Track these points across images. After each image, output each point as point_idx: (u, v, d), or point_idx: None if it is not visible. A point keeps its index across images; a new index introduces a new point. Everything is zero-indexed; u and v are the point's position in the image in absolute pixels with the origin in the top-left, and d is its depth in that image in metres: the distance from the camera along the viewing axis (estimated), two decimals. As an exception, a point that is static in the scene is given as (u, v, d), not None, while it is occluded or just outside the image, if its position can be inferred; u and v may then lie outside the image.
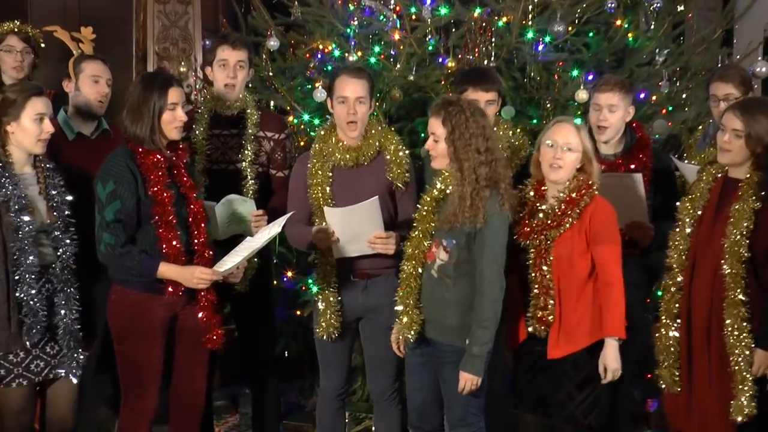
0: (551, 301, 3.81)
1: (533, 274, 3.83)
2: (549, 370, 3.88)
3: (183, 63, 5.72)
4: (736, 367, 3.68)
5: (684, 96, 5.43)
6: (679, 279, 3.88)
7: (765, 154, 3.72)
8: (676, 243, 3.90)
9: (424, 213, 3.90)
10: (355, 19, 5.51)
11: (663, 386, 3.93)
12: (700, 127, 4.97)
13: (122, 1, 6.15)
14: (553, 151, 3.84)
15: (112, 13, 5.48)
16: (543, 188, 3.92)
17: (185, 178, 3.94)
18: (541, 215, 3.85)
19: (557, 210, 3.83)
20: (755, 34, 6.68)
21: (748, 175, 3.75)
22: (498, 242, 3.76)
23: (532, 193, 3.93)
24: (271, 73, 5.64)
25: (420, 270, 3.90)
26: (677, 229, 3.91)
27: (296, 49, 5.81)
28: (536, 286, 3.83)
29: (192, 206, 3.94)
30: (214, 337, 3.97)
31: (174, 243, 3.84)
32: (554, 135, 3.85)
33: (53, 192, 3.90)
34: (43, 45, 4.97)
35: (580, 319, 3.83)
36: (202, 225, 3.95)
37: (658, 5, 5.52)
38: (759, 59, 5.50)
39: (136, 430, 3.99)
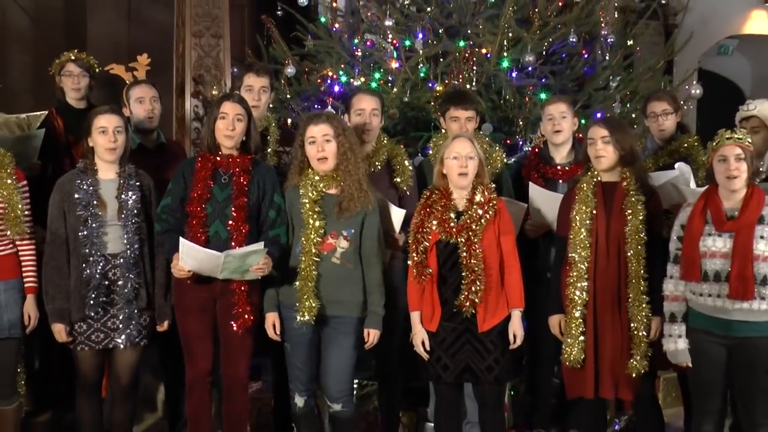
0: (480, 285, 3.80)
1: (465, 263, 3.80)
2: (474, 343, 3.86)
3: (215, 87, 5.72)
4: (635, 332, 3.84)
5: (633, 115, 5.45)
6: (585, 268, 3.89)
7: (627, 153, 3.90)
8: (579, 240, 3.90)
9: (312, 214, 3.81)
10: (359, 50, 5.59)
11: (567, 362, 3.92)
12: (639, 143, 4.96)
13: (164, 35, 6.11)
14: (458, 161, 3.85)
15: (156, 46, 5.48)
16: (450, 194, 3.91)
17: (235, 187, 3.85)
18: (468, 215, 3.84)
19: (479, 210, 3.84)
20: (691, 64, 6.95)
21: (625, 175, 3.91)
22: (379, 223, 3.94)
23: (437, 198, 3.91)
24: (288, 96, 5.68)
25: (315, 262, 3.82)
26: (576, 227, 3.91)
27: (310, 75, 5.86)
28: (468, 273, 3.80)
29: (235, 207, 3.83)
30: (241, 321, 3.86)
31: (198, 236, 3.79)
32: (457, 149, 3.87)
33: (125, 194, 3.90)
34: (98, 70, 4.94)
35: (497, 297, 3.86)
36: (239, 224, 3.83)
37: (612, 40, 5.60)
38: (694, 83, 5.61)
39: (191, 387, 4.01)
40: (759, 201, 3.59)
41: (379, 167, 4.28)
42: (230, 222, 3.83)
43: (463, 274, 3.81)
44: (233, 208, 3.83)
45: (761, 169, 4.11)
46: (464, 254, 3.81)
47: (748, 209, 3.58)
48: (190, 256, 3.70)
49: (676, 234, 3.74)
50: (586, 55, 5.53)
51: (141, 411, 4.73)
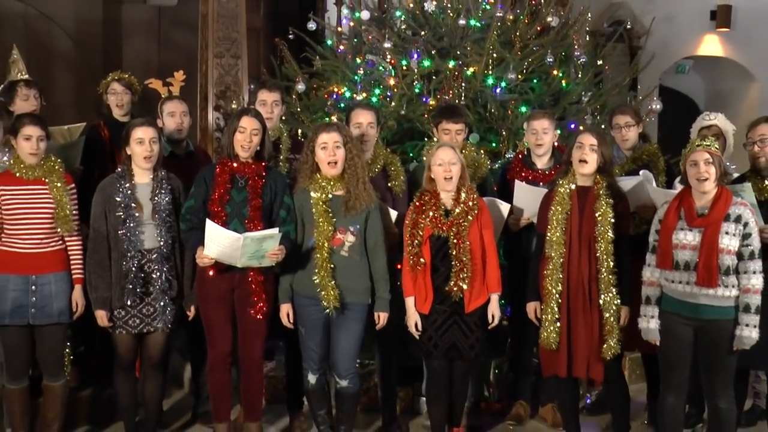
0: (467, 273, 3.89)
1: (455, 254, 3.89)
2: (460, 324, 3.95)
3: (234, 101, 5.74)
4: (609, 319, 3.89)
5: (603, 126, 5.35)
6: (560, 263, 3.94)
7: (606, 163, 3.97)
8: (555, 238, 3.94)
9: (323, 213, 3.86)
10: (361, 68, 5.57)
11: (546, 344, 3.96)
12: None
13: (189, 56, 6.13)
14: (443, 167, 3.93)
15: (183, 65, 5.44)
16: (438, 195, 3.98)
17: (250, 190, 3.90)
18: (456, 212, 3.91)
19: (465, 208, 3.93)
20: (653, 81, 6.96)
21: (597, 181, 3.94)
22: (381, 218, 3.98)
23: (428, 199, 3.97)
24: (299, 109, 5.65)
25: (329, 256, 3.87)
26: (553, 226, 3.95)
27: (317, 91, 5.83)
28: (456, 262, 3.90)
29: (251, 208, 3.87)
30: (257, 308, 3.91)
31: None
32: (441, 156, 3.94)
33: (158, 197, 3.94)
34: (139, 87, 4.95)
35: (480, 283, 3.96)
36: (255, 222, 3.87)
37: (584, 60, 5.60)
38: (655, 98, 5.65)
39: (213, 367, 4.06)
40: (726, 201, 3.66)
41: (376, 173, 4.30)
42: (247, 221, 3.87)
43: (453, 263, 3.91)
44: (249, 209, 3.89)
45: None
46: (454, 246, 3.90)
47: (716, 208, 3.65)
48: (213, 241, 3.74)
49: (654, 227, 3.81)
50: (561, 74, 5.47)
51: (169, 387, 4.76)
